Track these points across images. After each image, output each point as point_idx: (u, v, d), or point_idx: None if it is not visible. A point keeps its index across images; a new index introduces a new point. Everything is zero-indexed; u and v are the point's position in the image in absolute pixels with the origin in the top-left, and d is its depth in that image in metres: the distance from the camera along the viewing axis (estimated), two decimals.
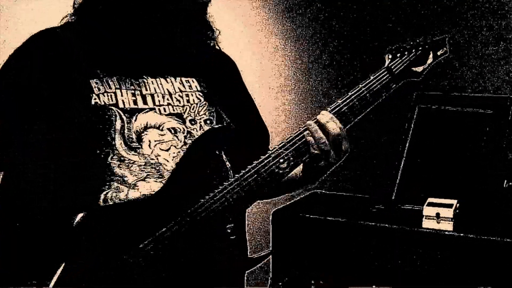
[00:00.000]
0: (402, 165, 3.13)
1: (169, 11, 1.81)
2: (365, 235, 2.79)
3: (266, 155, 1.78)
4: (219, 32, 1.98)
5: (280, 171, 1.78)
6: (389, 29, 3.59)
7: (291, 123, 3.84)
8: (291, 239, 2.93)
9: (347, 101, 1.84)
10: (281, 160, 1.79)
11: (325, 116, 1.82)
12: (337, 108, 1.83)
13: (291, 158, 1.80)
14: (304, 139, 1.81)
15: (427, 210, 2.76)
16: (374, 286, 2.72)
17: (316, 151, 1.81)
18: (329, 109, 1.84)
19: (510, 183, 2.93)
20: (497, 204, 2.85)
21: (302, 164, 1.87)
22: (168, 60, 1.88)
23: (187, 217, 1.74)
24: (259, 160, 1.78)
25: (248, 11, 3.82)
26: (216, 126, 1.90)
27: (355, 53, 3.70)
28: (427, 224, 2.73)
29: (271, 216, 2.96)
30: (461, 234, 2.62)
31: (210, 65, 1.97)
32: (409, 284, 2.69)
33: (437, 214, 2.74)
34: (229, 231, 1.81)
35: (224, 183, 1.77)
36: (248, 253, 1.90)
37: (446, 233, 2.66)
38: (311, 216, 2.93)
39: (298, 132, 1.83)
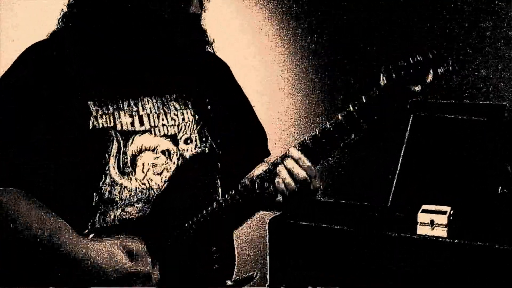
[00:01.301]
0: (397, 172, 3.13)
1: (161, 24, 1.77)
2: (361, 241, 2.82)
3: (250, 179, 1.75)
4: (213, 40, 1.94)
5: (266, 195, 1.75)
6: (392, 34, 3.60)
7: (293, 126, 3.85)
8: (288, 245, 2.95)
9: (328, 128, 1.73)
10: (266, 184, 1.75)
11: (291, 161, 1.73)
12: (313, 140, 1.74)
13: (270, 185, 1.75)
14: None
15: (422, 217, 2.77)
16: None
17: (285, 193, 1.74)
18: (301, 143, 1.75)
19: (505, 190, 2.93)
20: (491, 211, 2.86)
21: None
22: (162, 77, 1.85)
23: (171, 240, 1.75)
24: (243, 184, 1.76)
25: (249, 14, 3.82)
26: (206, 146, 1.87)
27: (358, 57, 3.69)
28: (421, 230, 2.74)
29: (267, 223, 2.98)
30: (455, 241, 2.66)
31: (203, 77, 1.94)
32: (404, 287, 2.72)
33: (431, 221, 2.74)
34: (215, 256, 1.81)
35: (208, 208, 1.77)
36: (235, 273, 1.89)
37: (440, 239, 2.69)
38: (307, 223, 2.95)
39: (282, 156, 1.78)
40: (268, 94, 3.77)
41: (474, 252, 2.62)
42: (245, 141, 2.00)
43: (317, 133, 1.71)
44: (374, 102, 1.71)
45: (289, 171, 1.72)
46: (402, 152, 3.18)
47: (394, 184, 3.12)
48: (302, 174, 1.70)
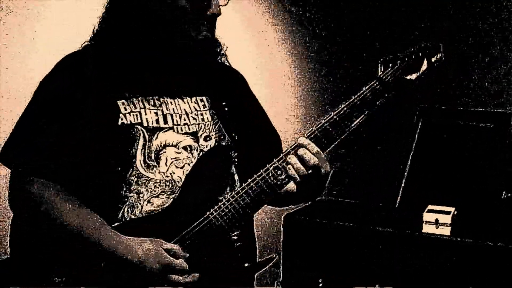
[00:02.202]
0: (405, 175, 3.23)
1: (179, 33, 1.83)
2: (370, 238, 2.89)
3: (265, 168, 1.81)
4: (227, 48, 1.98)
5: (279, 182, 1.80)
6: (392, 31, 3.64)
7: (298, 126, 3.87)
8: (301, 241, 3.04)
9: (334, 118, 1.83)
10: (279, 172, 1.81)
11: (303, 146, 1.81)
12: (321, 129, 1.82)
13: (283, 173, 1.81)
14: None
15: (427, 216, 2.85)
16: (377, 286, 2.82)
17: (297, 179, 1.80)
18: (309, 132, 1.83)
19: (509, 195, 3.03)
20: (492, 212, 2.95)
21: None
22: (182, 80, 1.91)
23: (194, 229, 1.80)
24: (259, 173, 1.81)
25: (253, 14, 3.83)
26: (223, 143, 1.92)
27: (361, 56, 3.71)
28: (426, 229, 2.83)
29: (282, 219, 3.07)
30: (458, 239, 2.74)
31: (220, 82, 1.99)
32: (410, 284, 2.79)
33: (436, 220, 2.82)
34: (235, 238, 1.85)
35: (228, 196, 1.82)
36: (257, 255, 1.95)
37: (444, 237, 2.77)
38: (320, 221, 3.04)
39: (292, 146, 1.84)
40: (271, 90, 3.76)
41: (476, 250, 2.69)
42: (260, 140, 2.04)
43: (324, 123, 1.82)
44: (374, 92, 1.84)
45: (300, 158, 1.79)
46: (411, 156, 3.27)
47: (402, 186, 3.21)
48: (313, 159, 1.79)
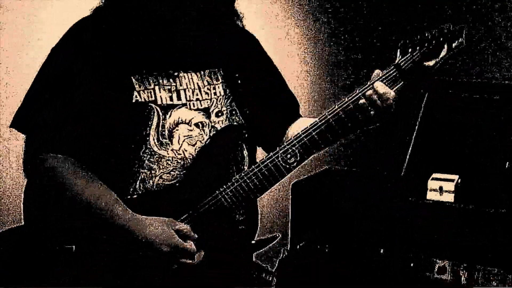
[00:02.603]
0: (411, 144, 3.26)
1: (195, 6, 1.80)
2: (375, 205, 2.94)
3: (275, 151, 1.80)
4: (243, 15, 1.95)
5: (287, 166, 1.80)
6: (407, 23, 3.62)
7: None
8: (308, 207, 3.09)
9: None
10: (288, 156, 1.80)
11: (380, 84, 1.76)
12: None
13: (297, 154, 1.80)
14: (317, 130, 1.80)
15: (432, 184, 2.89)
16: (382, 250, 2.90)
17: (371, 113, 1.76)
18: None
19: None
20: (496, 181, 2.97)
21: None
22: (197, 53, 1.88)
23: (203, 206, 1.82)
24: (268, 155, 1.81)
25: (267, 8, 3.82)
26: (235, 118, 1.91)
27: (375, 49, 3.70)
28: (431, 196, 2.88)
29: (290, 187, 3.12)
30: (461, 205, 2.80)
31: (235, 51, 1.95)
32: (414, 248, 2.85)
33: (440, 188, 2.86)
34: (240, 219, 1.87)
35: (236, 176, 1.82)
36: (257, 236, 1.95)
37: (447, 204, 2.83)
38: (326, 188, 3.13)
39: (305, 128, 1.81)
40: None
41: (478, 216, 2.75)
42: (274, 109, 2.02)
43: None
44: (391, 79, 1.77)
45: (377, 93, 1.74)
46: (417, 126, 3.29)
47: (408, 155, 3.24)
48: (392, 94, 1.74)
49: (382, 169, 3.36)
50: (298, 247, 3.07)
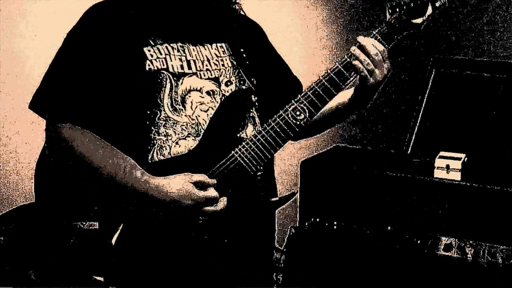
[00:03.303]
0: (418, 122, 3.30)
1: None
2: (382, 183, 2.98)
3: (284, 109, 1.89)
4: (243, 3, 2.04)
5: (298, 122, 1.88)
6: None
7: None
8: (317, 185, 3.12)
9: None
10: (298, 112, 1.88)
11: (366, 40, 1.90)
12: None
13: (306, 110, 1.89)
14: (321, 86, 1.89)
15: (439, 162, 2.92)
16: (389, 227, 2.93)
17: (362, 73, 1.89)
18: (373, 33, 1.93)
19: None
20: (503, 160, 3.03)
21: (353, 89, 1.98)
22: (203, 27, 1.96)
23: (221, 166, 1.88)
24: (279, 113, 1.88)
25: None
26: (244, 87, 1.97)
27: None
28: (438, 174, 2.91)
29: (299, 165, 3.16)
30: (468, 184, 2.83)
31: (239, 30, 2.04)
32: (420, 225, 2.89)
33: (447, 166, 2.90)
34: (259, 177, 1.93)
35: (250, 136, 1.89)
36: (278, 193, 2.03)
37: (454, 182, 2.85)
38: (334, 166, 3.14)
39: (310, 86, 1.91)
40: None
41: (484, 194, 2.78)
42: (278, 84, 2.12)
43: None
44: (384, 35, 1.92)
45: (363, 50, 1.89)
46: (423, 105, 3.33)
47: (415, 133, 3.29)
48: (380, 47, 1.89)
49: (389, 147, 3.39)
50: (306, 224, 3.10)
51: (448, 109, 3.31)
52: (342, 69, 1.90)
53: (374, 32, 1.93)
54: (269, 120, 1.90)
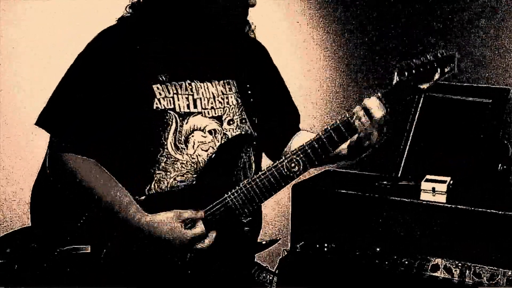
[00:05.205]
0: (407, 146, 3.32)
1: (222, 14, 1.91)
2: (371, 206, 3.00)
3: (281, 160, 1.90)
4: (255, 26, 2.04)
5: (291, 174, 1.90)
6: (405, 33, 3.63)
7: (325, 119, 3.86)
8: (308, 208, 3.14)
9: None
10: (293, 164, 1.89)
11: (372, 102, 1.85)
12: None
13: (301, 163, 1.89)
14: (319, 141, 1.88)
15: (424, 185, 2.96)
16: (378, 249, 2.95)
17: (361, 134, 1.86)
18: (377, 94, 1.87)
19: (505, 167, 3.12)
20: (488, 183, 3.04)
21: (347, 145, 1.93)
22: (212, 63, 1.98)
23: (212, 208, 1.91)
24: (274, 163, 1.90)
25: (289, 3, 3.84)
26: (243, 133, 2.00)
27: (393, 49, 3.68)
28: (424, 196, 2.94)
29: (290, 189, 3.16)
30: (453, 206, 2.84)
31: (246, 61, 2.05)
32: (407, 246, 2.90)
33: (433, 188, 2.93)
34: (244, 221, 1.98)
35: (244, 182, 1.92)
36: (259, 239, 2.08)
37: (439, 204, 2.88)
38: (325, 189, 3.16)
39: (309, 140, 1.90)
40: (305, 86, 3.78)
41: (469, 216, 2.80)
42: (279, 119, 2.14)
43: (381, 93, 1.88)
44: (388, 99, 1.87)
45: (368, 111, 1.84)
46: (413, 129, 3.35)
47: (404, 157, 3.30)
48: (383, 111, 1.84)
49: (380, 171, 3.39)
50: (298, 246, 3.12)
51: (436, 133, 3.32)
52: (341, 127, 1.88)
53: (379, 94, 1.87)
54: (264, 168, 1.93)
